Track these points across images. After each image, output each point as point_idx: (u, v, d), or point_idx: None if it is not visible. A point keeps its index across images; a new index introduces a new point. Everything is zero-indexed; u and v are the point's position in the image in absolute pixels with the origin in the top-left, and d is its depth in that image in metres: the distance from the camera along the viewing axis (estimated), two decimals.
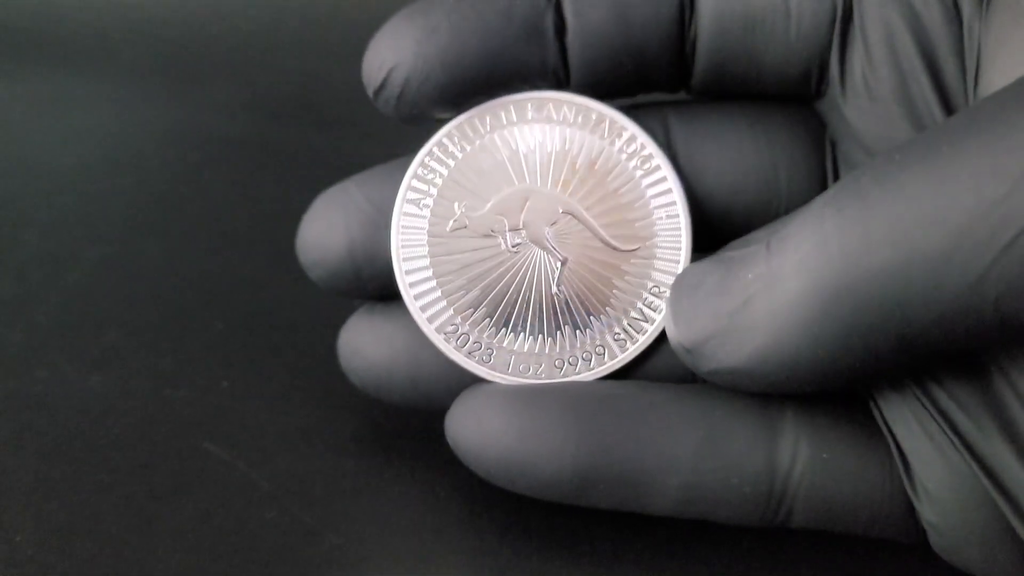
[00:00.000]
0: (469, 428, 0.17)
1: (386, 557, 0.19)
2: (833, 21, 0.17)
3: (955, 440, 0.15)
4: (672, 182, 0.18)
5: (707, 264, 0.16)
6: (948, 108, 0.17)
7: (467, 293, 0.18)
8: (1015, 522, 0.15)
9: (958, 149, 0.13)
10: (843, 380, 0.15)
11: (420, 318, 0.18)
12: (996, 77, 0.16)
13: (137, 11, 0.40)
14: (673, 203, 0.18)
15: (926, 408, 0.16)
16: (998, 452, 0.15)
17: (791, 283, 0.14)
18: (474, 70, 0.18)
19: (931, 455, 0.16)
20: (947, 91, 0.17)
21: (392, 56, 0.17)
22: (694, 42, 0.18)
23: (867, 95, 0.17)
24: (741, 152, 0.19)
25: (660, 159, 0.18)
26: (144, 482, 0.20)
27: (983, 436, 0.15)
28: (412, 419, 0.22)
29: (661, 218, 0.18)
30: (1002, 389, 0.15)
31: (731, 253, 0.16)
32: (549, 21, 0.18)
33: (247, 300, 0.26)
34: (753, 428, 0.17)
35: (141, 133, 0.34)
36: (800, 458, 0.17)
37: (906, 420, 0.16)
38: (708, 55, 0.18)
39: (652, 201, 0.18)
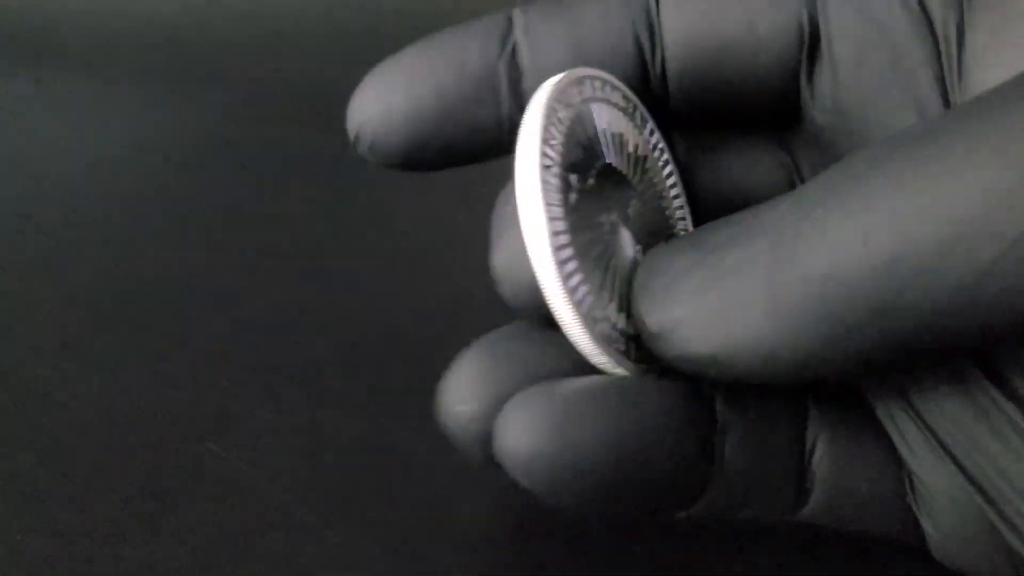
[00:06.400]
0: (523, 438, 0.15)
1: (387, 556, 0.19)
2: (801, 40, 0.17)
3: (947, 449, 0.15)
4: (676, 176, 0.18)
5: (680, 244, 0.16)
6: (923, 117, 0.16)
7: (604, 276, 0.16)
8: (1003, 528, 0.15)
9: (961, 138, 0.13)
10: (818, 376, 0.15)
11: (577, 321, 0.15)
12: (988, 76, 0.15)
13: (137, 11, 0.40)
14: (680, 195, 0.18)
15: (920, 417, 0.16)
16: (986, 464, 0.15)
17: (775, 271, 0.14)
18: (430, 128, 0.18)
19: (929, 462, 0.16)
20: (921, 100, 0.16)
21: (361, 114, 0.18)
22: (663, 72, 0.18)
23: (836, 111, 0.17)
24: (756, 159, 0.18)
25: (668, 152, 0.18)
26: (144, 482, 0.20)
27: (972, 448, 0.15)
28: (412, 418, 0.22)
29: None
30: (992, 399, 0.15)
31: (707, 236, 0.15)
32: (503, 71, 0.18)
33: (247, 300, 0.26)
34: (785, 429, 0.16)
35: (141, 133, 0.34)
36: (822, 457, 0.16)
37: (906, 427, 0.16)
38: (680, 84, 0.18)
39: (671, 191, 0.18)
